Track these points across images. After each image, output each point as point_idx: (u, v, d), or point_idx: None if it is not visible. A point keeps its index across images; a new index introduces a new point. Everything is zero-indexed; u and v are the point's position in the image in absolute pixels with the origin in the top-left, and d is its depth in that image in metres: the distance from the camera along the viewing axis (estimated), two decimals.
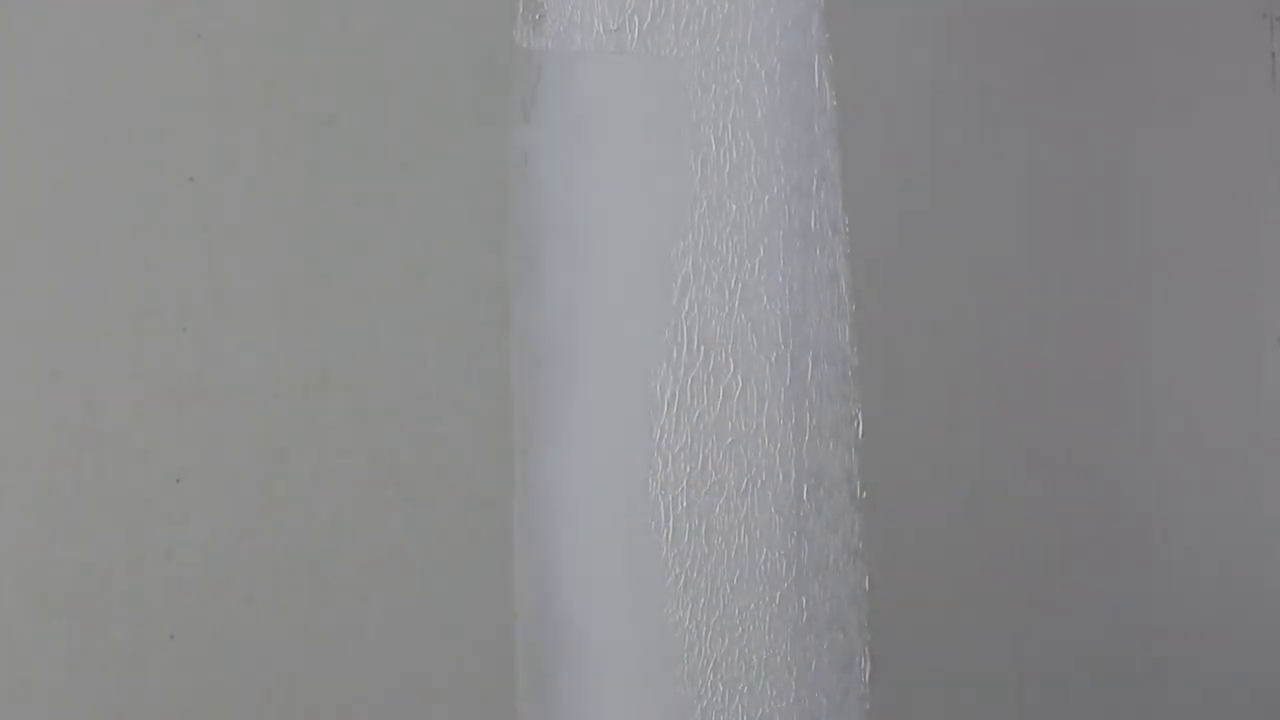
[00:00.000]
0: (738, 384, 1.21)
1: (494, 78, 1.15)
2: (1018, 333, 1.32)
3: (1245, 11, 1.44)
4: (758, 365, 1.22)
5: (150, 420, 1.06)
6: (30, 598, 1.02)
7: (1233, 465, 1.42)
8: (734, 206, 1.22)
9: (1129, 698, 1.35)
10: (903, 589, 1.25)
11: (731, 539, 1.20)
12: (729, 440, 1.20)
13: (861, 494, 1.25)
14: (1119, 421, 1.35)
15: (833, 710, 1.23)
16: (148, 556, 1.05)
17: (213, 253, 1.08)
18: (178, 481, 1.06)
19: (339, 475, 1.10)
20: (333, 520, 1.10)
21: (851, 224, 1.25)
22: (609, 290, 1.18)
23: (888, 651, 1.25)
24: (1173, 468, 1.39)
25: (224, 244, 1.08)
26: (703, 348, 1.20)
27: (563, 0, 1.17)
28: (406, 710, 1.11)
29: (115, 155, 1.06)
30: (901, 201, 1.28)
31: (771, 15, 1.24)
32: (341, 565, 1.10)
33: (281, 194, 1.10)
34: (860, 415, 1.25)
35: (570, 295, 1.17)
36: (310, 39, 1.11)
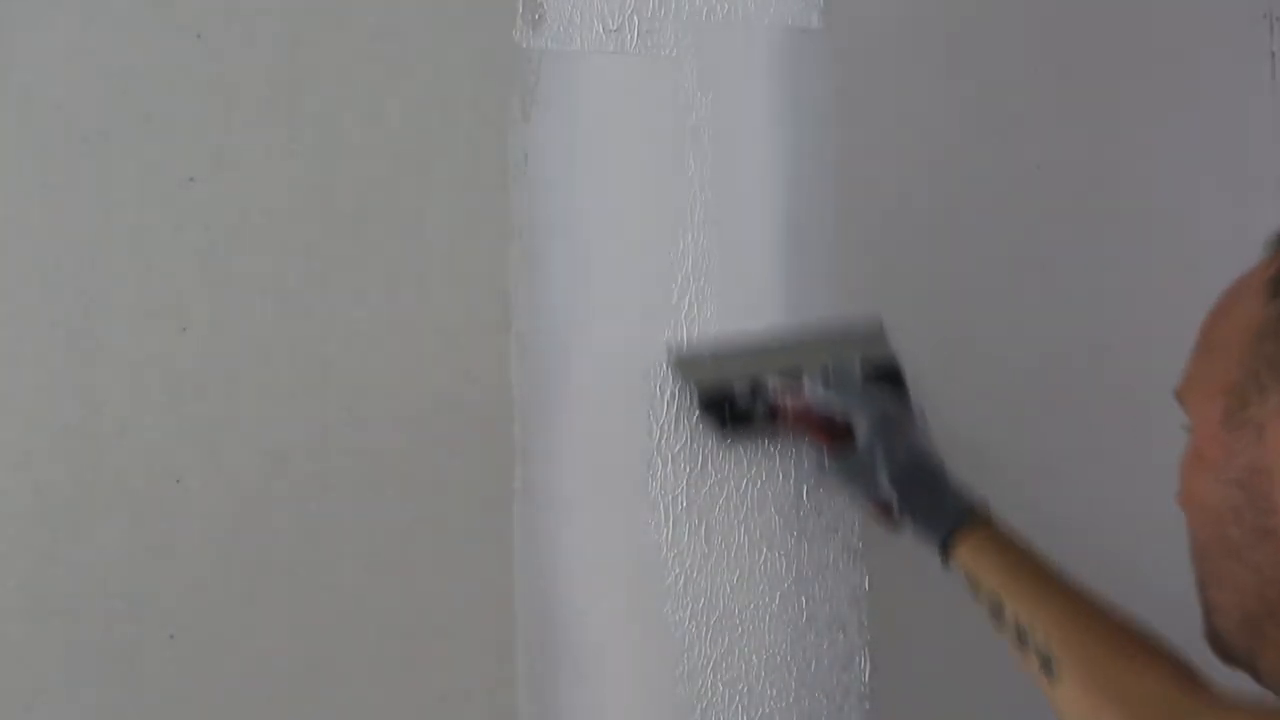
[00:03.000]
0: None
1: (494, 78, 1.16)
2: (1017, 333, 1.32)
3: (1245, 11, 1.44)
4: None
5: (150, 420, 1.06)
6: (30, 598, 1.02)
7: None
8: (734, 206, 1.22)
9: None
10: (903, 589, 1.25)
11: (731, 539, 1.20)
12: (728, 440, 1.20)
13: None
14: (1118, 421, 1.35)
15: (833, 710, 1.23)
16: (148, 556, 1.05)
17: (213, 253, 1.08)
18: (178, 481, 1.06)
19: (339, 475, 1.10)
20: (333, 520, 1.10)
21: (851, 224, 1.25)
22: (609, 290, 1.18)
23: (888, 651, 1.25)
24: (1173, 467, 1.38)
25: (224, 244, 1.08)
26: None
27: (563, 0, 1.17)
28: (407, 710, 1.11)
29: (115, 155, 1.06)
30: (901, 201, 1.28)
31: (771, 15, 1.24)
32: (341, 565, 1.10)
33: (281, 194, 1.10)
34: None
35: (570, 295, 1.17)
36: (310, 39, 1.11)
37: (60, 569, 1.03)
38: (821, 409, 1.14)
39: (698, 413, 1.17)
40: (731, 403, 1.16)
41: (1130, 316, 1.37)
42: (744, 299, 1.22)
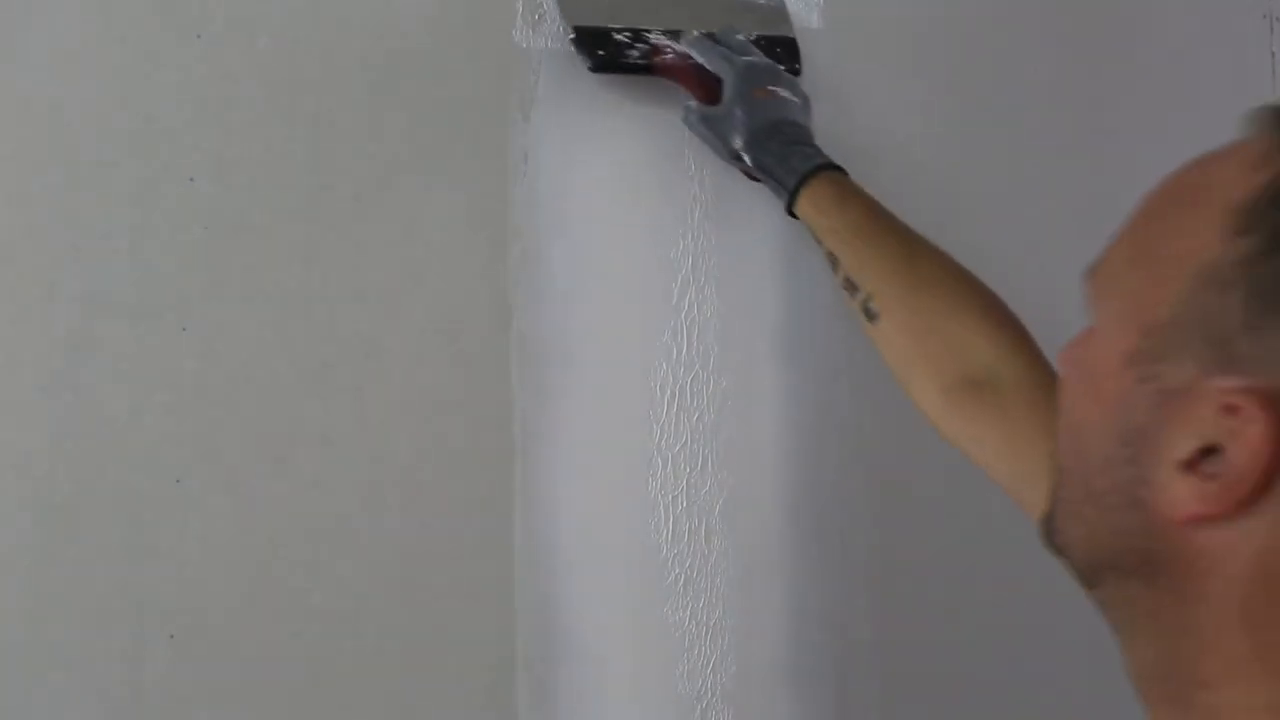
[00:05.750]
0: (738, 384, 1.21)
1: (494, 78, 1.16)
2: None
3: (1245, 11, 1.44)
4: (758, 365, 1.22)
5: (150, 420, 1.06)
6: (30, 598, 1.02)
7: None
8: (734, 206, 1.22)
9: (1129, 697, 1.35)
10: (903, 589, 1.25)
11: (731, 539, 1.20)
12: (729, 440, 1.20)
13: (862, 494, 1.25)
14: None
15: (833, 710, 1.23)
16: (148, 556, 1.05)
17: (213, 253, 1.08)
18: (178, 481, 1.06)
19: (339, 475, 1.10)
20: (333, 520, 1.10)
21: None
22: (609, 290, 1.18)
23: (888, 652, 1.25)
24: None
25: (224, 244, 1.08)
26: (702, 348, 1.20)
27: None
28: (407, 710, 1.11)
29: (115, 155, 1.06)
30: (901, 202, 1.28)
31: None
32: (341, 565, 1.10)
33: (281, 194, 1.10)
34: (860, 416, 1.25)
35: (570, 295, 1.17)
36: (310, 39, 1.11)
37: (60, 569, 1.03)
38: (696, 60, 1.16)
39: (572, 45, 1.16)
40: (606, 37, 1.16)
41: None
42: (744, 299, 1.22)
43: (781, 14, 1.23)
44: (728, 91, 1.12)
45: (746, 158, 1.12)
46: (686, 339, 1.20)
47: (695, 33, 1.17)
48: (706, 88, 1.15)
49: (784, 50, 1.20)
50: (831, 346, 1.25)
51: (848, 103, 1.26)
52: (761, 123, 1.11)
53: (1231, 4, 1.43)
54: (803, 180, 1.08)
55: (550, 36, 1.17)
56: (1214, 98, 1.42)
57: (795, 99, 1.15)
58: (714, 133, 1.13)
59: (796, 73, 1.20)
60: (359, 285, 1.11)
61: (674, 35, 1.17)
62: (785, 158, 1.10)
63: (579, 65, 1.16)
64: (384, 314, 1.12)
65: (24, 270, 1.04)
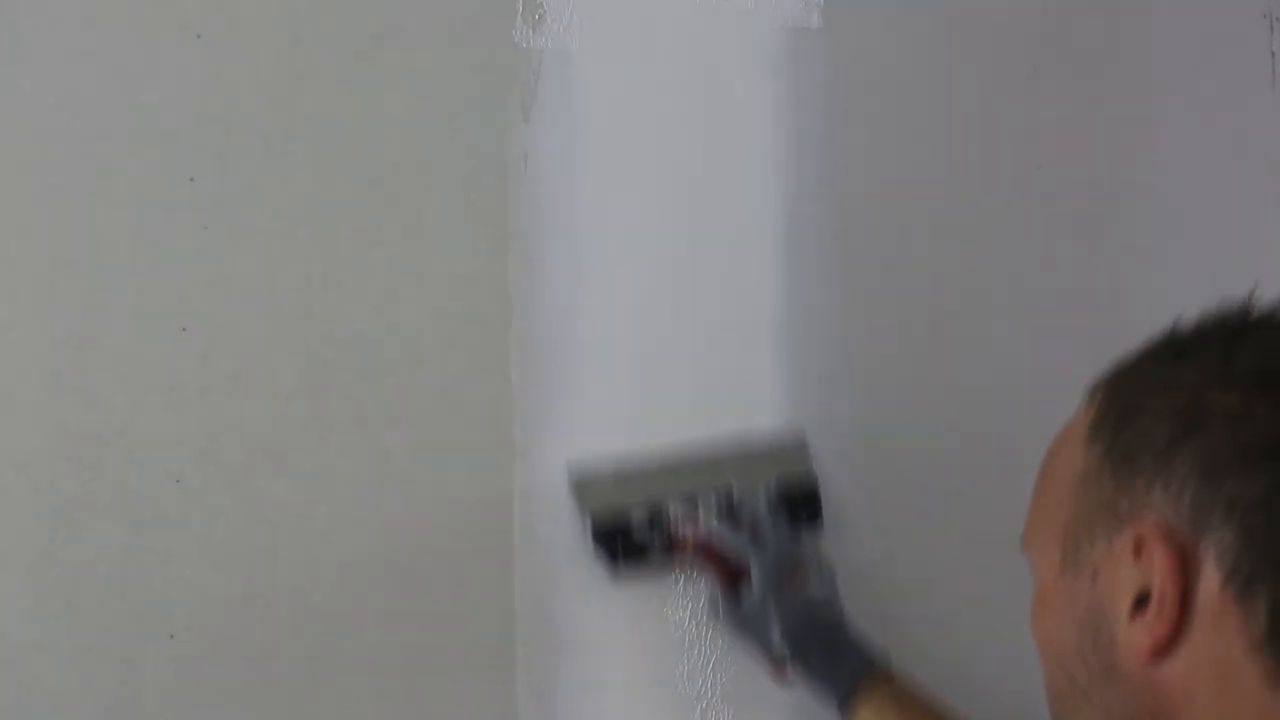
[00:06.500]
0: (738, 384, 1.21)
1: (494, 78, 1.16)
2: (1018, 333, 1.32)
3: (1245, 11, 1.43)
4: (757, 365, 1.22)
5: (150, 420, 1.06)
6: (30, 598, 1.03)
7: None
8: (734, 206, 1.22)
9: None
10: (903, 589, 1.25)
11: None
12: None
13: (862, 494, 1.25)
14: None
15: (832, 711, 1.22)
16: (148, 556, 1.05)
17: (213, 253, 1.08)
18: (178, 482, 1.06)
19: (339, 475, 1.10)
20: (333, 520, 1.10)
21: (851, 224, 1.25)
22: (609, 290, 1.18)
23: (890, 647, 1.24)
24: None
25: (224, 244, 1.08)
26: (703, 347, 1.20)
27: (563, 0, 1.17)
28: (406, 710, 1.11)
29: (115, 155, 1.06)
30: (901, 201, 1.28)
31: (771, 15, 1.24)
32: (341, 565, 1.10)
33: (281, 194, 1.10)
34: (860, 416, 1.25)
35: (570, 295, 1.17)
36: (310, 39, 1.11)
37: (60, 569, 1.03)
38: (718, 545, 1.09)
39: (590, 545, 1.12)
40: (626, 535, 1.11)
41: (1129, 316, 1.37)
42: (743, 299, 1.22)
43: (802, 453, 1.17)
44: (758, 584, 1.06)
45: (790, 656, 1.06)
46: (686, 339, 1.20)
47: (713, 498, 1.11)
48: (731, 567, 1.08)
49: (806, 503, 1.14)
50: (831, 346, 1.25)
51: (848, 103, 1.26)
52: (799, 616, 1.06)
53: (1231, 4, 1.43)
54: (856, 683, 1.03)
55: (550, 36, 1.17)
56: (1214, 97, 1.42)
57: (824, 573, 1.10)
58: (751, 633, 1.07)
59: (818, 519, 1.15)
60: (359, 285, 1.11)
61: (693, 501, 1.11)
62: (833, 654, 1.05)
63: (579, 65, 1.16)
64: (384, 314, 1.12)
65: (24, 270, 1.04)
